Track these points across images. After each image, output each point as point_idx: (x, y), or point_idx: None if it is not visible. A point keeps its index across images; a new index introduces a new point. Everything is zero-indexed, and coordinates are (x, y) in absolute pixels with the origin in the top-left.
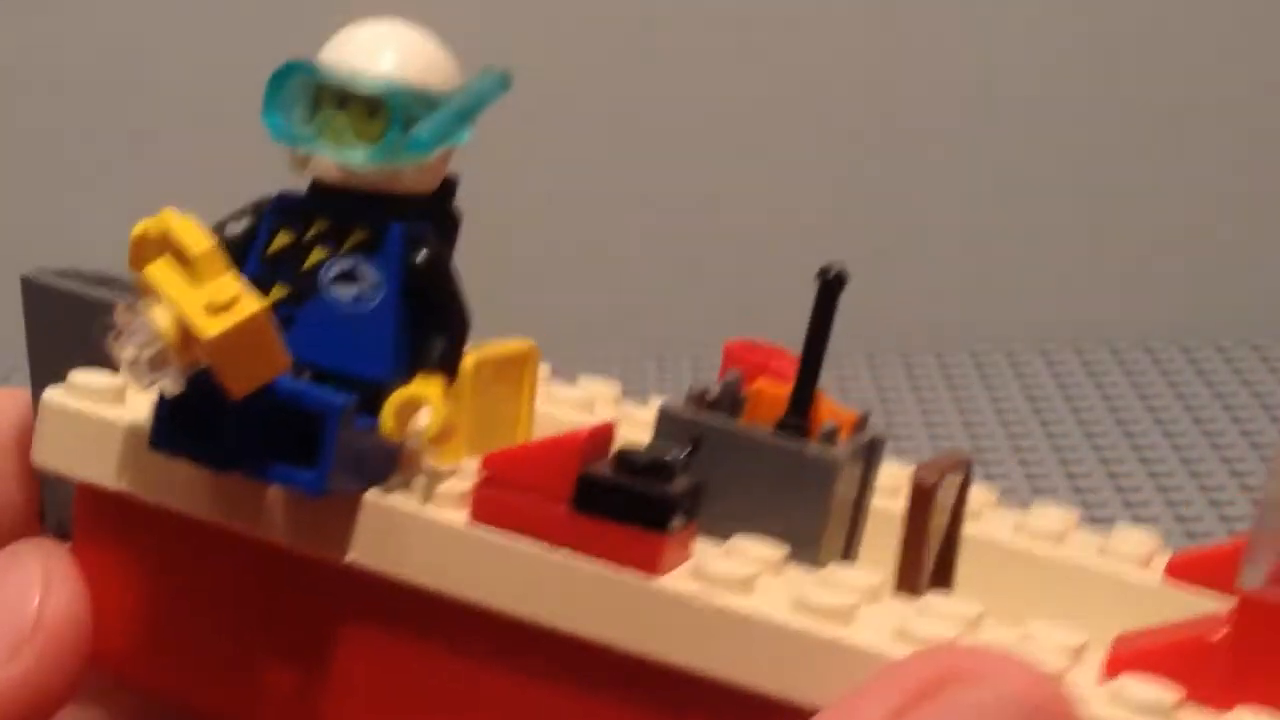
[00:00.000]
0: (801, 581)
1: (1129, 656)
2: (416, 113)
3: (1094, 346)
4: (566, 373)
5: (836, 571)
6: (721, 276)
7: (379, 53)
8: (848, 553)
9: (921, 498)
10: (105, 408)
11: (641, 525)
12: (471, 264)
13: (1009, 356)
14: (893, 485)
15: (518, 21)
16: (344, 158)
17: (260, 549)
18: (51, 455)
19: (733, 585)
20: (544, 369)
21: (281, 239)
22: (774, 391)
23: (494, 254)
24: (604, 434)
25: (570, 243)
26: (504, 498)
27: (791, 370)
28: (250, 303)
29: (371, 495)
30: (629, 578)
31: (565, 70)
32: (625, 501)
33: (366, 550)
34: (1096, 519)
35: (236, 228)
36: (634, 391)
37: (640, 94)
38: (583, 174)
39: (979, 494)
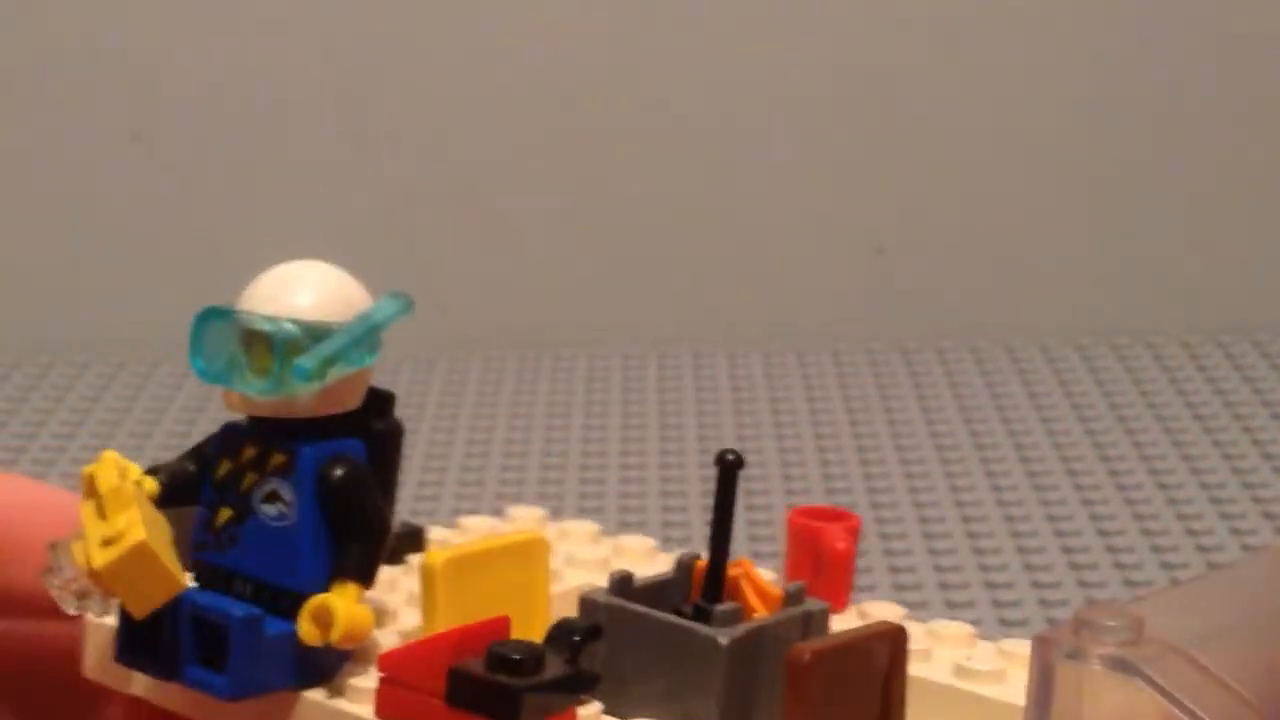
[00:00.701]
0: None
1: None
2: (306, 345)
3: (1094, 343)
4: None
5: None
6: (722, 276)
7: (277, 294)
8: None
9: (795, 675)
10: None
11: (497, 717)
12: (474, 264)
13: (1009, 352)
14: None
15: (521, 22)
16: (242, 390)
17: None
18: (94, 667)
19: None
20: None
21: (224, 466)
22: (755, 579)
23: (497, 255)
24: (496, 627)
25: (571, 242)
26: (396, 694)
27: (849, 536)
28: (134, 535)
29: (304, 693)
30: None
31: (568, 71)
32: (484, 694)
33: None
34: (1097, 515)
35: (191, 460)
36: (635, 391)
37: (642, 94)
38: (584, 173)
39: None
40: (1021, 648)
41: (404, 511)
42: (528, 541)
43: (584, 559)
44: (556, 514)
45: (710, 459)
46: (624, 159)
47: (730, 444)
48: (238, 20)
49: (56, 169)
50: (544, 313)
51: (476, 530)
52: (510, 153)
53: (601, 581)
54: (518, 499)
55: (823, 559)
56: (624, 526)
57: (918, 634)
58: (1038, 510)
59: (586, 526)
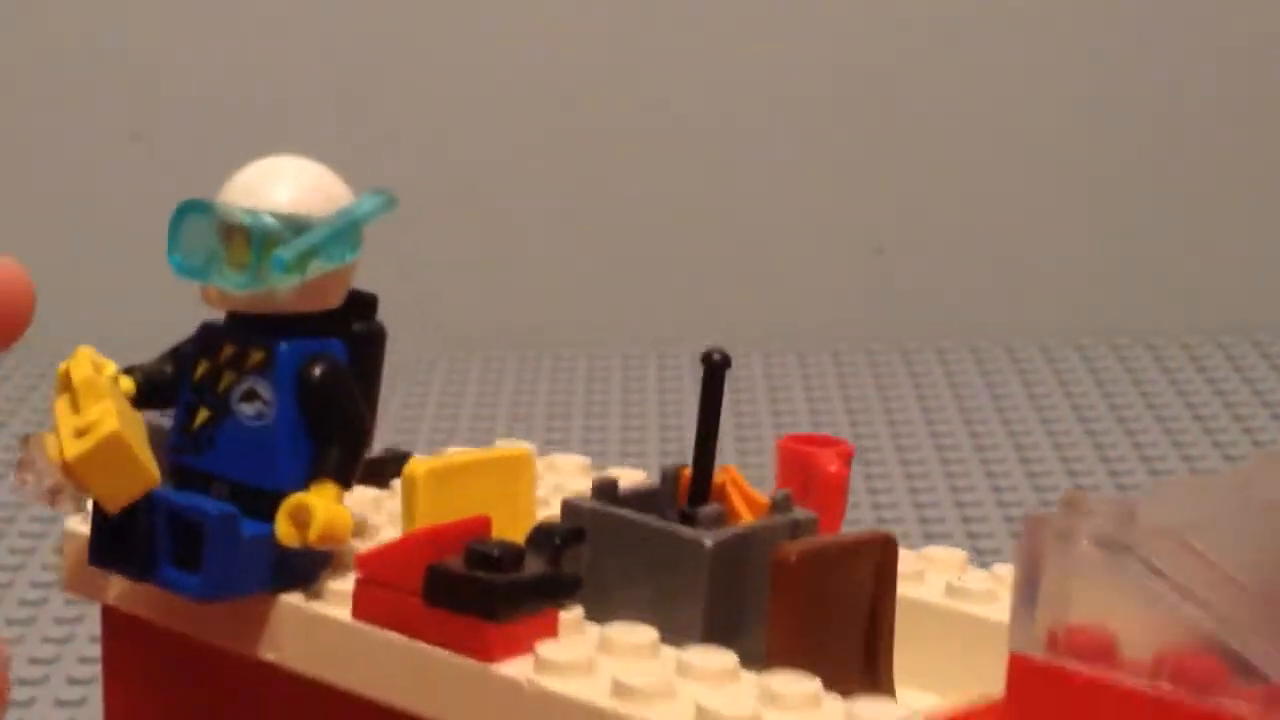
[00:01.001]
0: (636, 665)
1: None
2: (285, 238)
3: (1094, 343)
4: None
5: (687, 654)
6: (722, 276)
7: (256, 187)
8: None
9: (780, 575)
10: None
11: (475, 614)
12: (474, 264)
13: (1009, 353)
14: (913, 571)
15: (521, 22)
16: (221, 285)
17: (214, 650)
18: (74, 581)
19: (564, 670)
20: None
21: (202, 366)
22: (741, 485)
23: (497, 255)
24: (475, 526)
25: (571, 242)
26: (375, 594)
27: (840, 460)
28: (108, 425)
29: (281, 595)
30: (466, 663)
31: (568, 71)
32: (462, 592)
33: (274, 646)
34: None
35: (168, 361)
36: (635, 392)
37: (642, 93)
38: (584, 173)
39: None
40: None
41: None
42: (513, 456)
43: (572, 489)
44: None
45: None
46: (624, 159)
47: (730, 444)
48: (238, 20)
49: (57, 169)
50: (544, 313)
51: None
52: (510, 153)
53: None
54: None
55: (813, 483)
56: None
57: (908, 558)
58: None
59: (576, 460)
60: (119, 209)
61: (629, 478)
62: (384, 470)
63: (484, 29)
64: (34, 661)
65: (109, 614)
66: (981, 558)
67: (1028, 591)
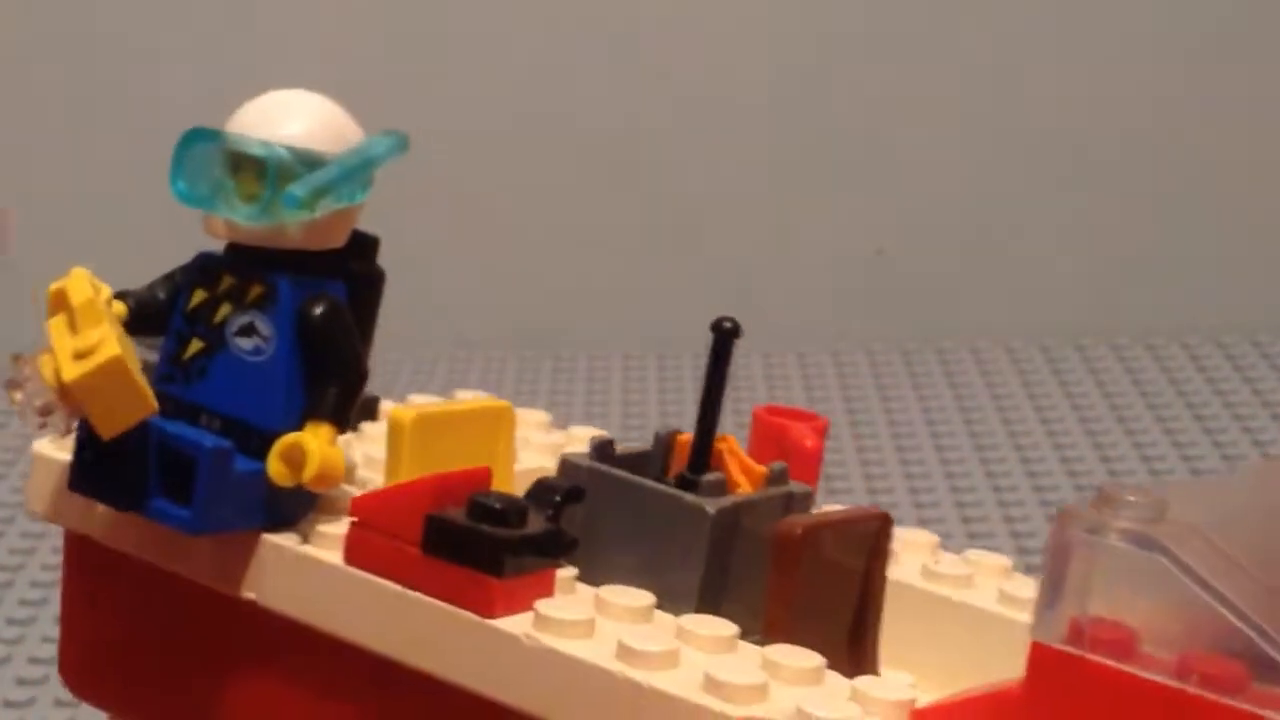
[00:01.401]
0: (637, 629)
1: (932, 711)
2: (298, 173)
3: (1094, 343)
4: (567, 377)
5: (685, 620)
6: (723, 276)
7: (269, 119)
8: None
9: (783, 549)
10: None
11: (477, 567)
12: (474, 264)
13: (1009, 353)
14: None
15: (521, 22)
16: (229, 216)
17: (188, 586)
18: (39, 503)
19: (565, 629)
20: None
21: (198, 296)
22: (740, 455)
23: (497, 255)
24: (476, 478)
25: (572, 243)
26: (369, 540)
27: (816, 435)
28: (109, 348)
29: (267, 535)
30: (466, 617)
31: (568, 72)
32: (465, 544)
33: (256, 586)
34: None
35: (162, 288)
36: (636, 393)
37: (642, 95)
38: (584, 174)
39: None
40: (988, 558)
41: None
42: (497, 408)
43: (538, 444)
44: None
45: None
46: (624, 160)
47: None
48: (238, 21)
49: (57, 169)
50: (544, 313)
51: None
52: (511, 153)
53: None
54: None
55: (789, 457)
56: None
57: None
58: (1037, 511)
59: (538, 415)
60: (119, 209)
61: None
62: (369, 409)
63: (484, 29)
64: (34, 661)
65: (73, 541)
66: None
67: (1055, 582)
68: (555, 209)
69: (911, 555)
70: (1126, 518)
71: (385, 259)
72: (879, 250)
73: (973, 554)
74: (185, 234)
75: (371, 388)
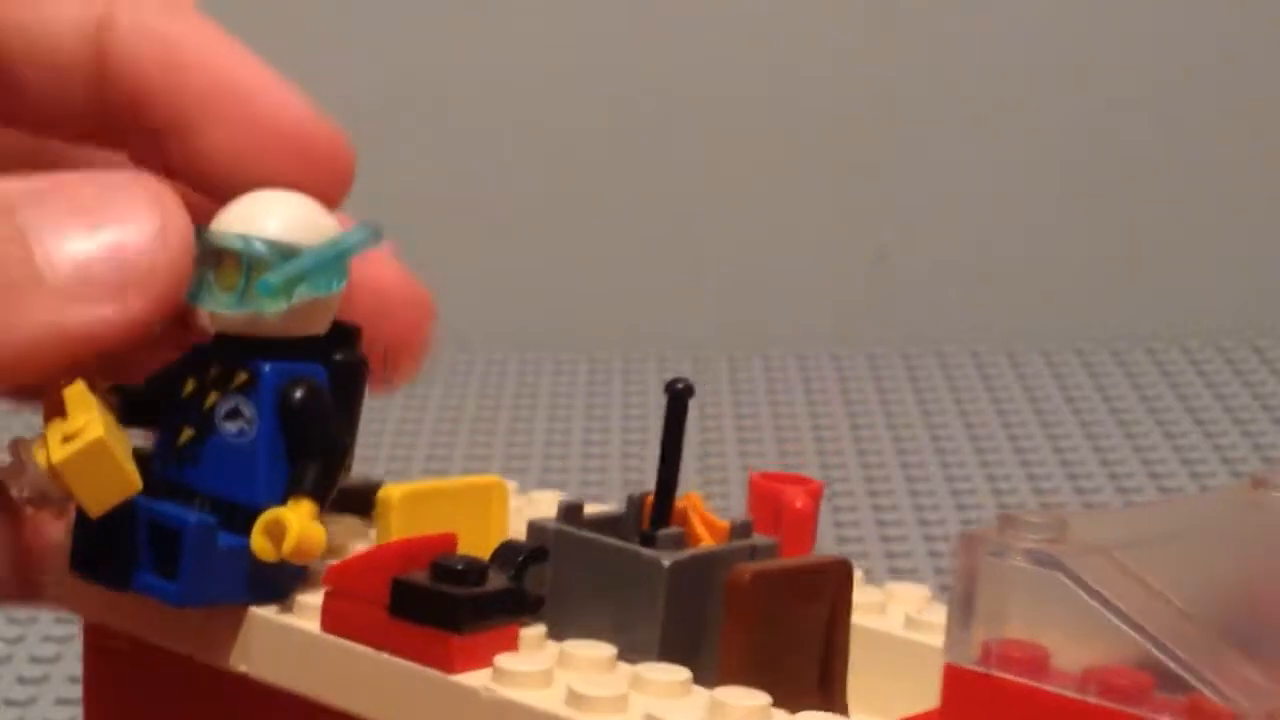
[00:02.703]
0: (590, 677)
1: None
2: (274, 264)
3: (1095, 348)
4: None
5: (643, 668)
6: (724, 279)
7: (248, 215)
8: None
9: (734, 595)
10: None
11: (439, 626)
12: (475, 264)
13: (1010, 357)
14: (877, 602)
15: (521, 23)
16: (210, 307)
17: (192, 666)
18: (56, 594)
19: (522, 680)
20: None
21: (190, 385)
22: (702, 511)
23: (498, 255)
24: (442, 543)
25: (571, 243)
26: (343, 606)
27: (808, 497)
28: (93, 431)
29: (254, 609)
30: (430, 674)
31: (568, 72)
32: (427, 604)
33: (245, 658)
34: None
35: (155, 383)
36: (636, 394)
37: (644, 96)
38: (587, 174)
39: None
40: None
41: None
42: (487, 484)
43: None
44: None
45: (710, 462)
46: (624, 159)
47: (732, 447)
48: (238, 21)
49: None
50: (544, 313)
51: None
52: (511, 153)
53: None
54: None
55: (782, 517)
56: None
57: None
58: None
59: (552, 495)
60: None
61: (595, 508)
62: (365, 498)
63: (484, 29)
64: (35, 660)
65: (91, 632)
66: None
67: (964, 605)
68: (556, 211)
69: (898, 606)
70: (1028, 539)
71: None
72: (880, 255)
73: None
74: None
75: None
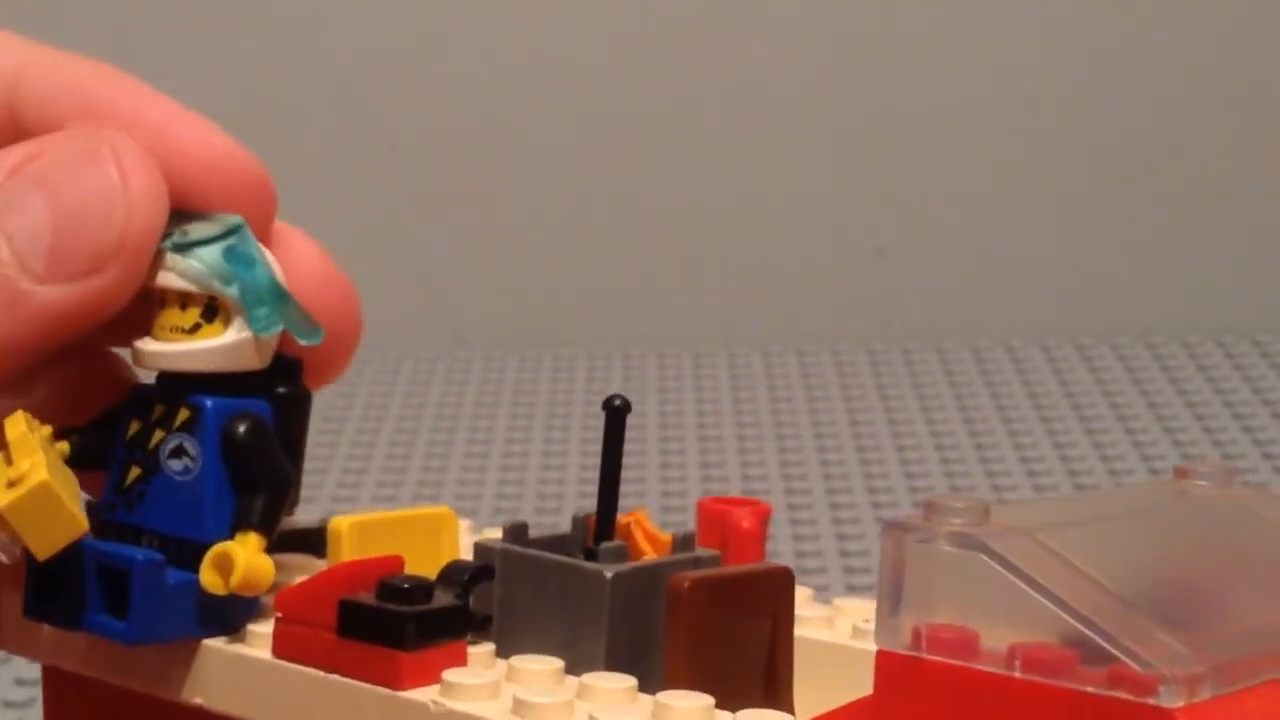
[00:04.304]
0: (536, 688)
1: None
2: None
3: (1094, 342)
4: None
5: (588, 678)
6: (723, 276)
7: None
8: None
9: (674, 602)
10: None
11: (386, 643)
12: (474, 264)
13: (1009, 352)
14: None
15: (521, 23)
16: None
17: (149, 702)
18: (12, 640)
19: (469, 693)
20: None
21: (134, 426)
22: (646, 526)
23: (497, 255)
24: (388, 565)
25: (571, 243)
26: (292, 631)
27: (755, 518)
28: (37, 475)
29: (206, 641)
30: (378, 692)
31: (568, 72)
32: (373, 623)
33: (202, 690)
34: None
35: (101, 427)
36: (636, 393)
37: (643, 94)
38: (584, 174)
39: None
40: None
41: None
42: (435, 514)
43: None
44: (556, 512)
45: (710, 459)
46: (624, 159)
47: (730, 444)
48: (238, 22)
49: None
50: (544, 313)
51: None
52: (511, 153)
53: None
54: (517, 498)
55: (729, 538)
56: None
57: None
58: None
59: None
60: None
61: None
62: (319, 537)
63: (485, 29)
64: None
65: (49, 675)
66: None
67: (892, 592)
68: (556, 209)
69: (846, 619)
70: (951, 523)
71: (387, 259)
72: (879, 250)
73: None
74: None
75: (371, 387)
